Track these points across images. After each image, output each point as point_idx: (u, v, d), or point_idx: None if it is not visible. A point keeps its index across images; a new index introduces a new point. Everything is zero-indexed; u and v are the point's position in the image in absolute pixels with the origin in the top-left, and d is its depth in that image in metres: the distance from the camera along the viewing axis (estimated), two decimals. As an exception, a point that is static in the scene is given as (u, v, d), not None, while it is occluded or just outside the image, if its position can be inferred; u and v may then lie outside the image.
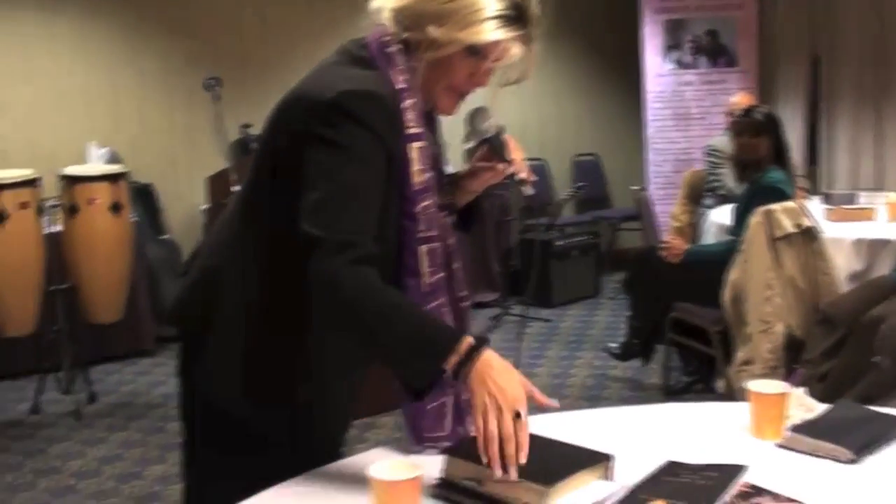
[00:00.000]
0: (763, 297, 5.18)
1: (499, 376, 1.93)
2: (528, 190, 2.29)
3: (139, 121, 7.98)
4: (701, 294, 5.62)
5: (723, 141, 6.92)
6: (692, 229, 6.92)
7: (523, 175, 2.29)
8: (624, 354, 6.20)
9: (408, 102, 2.07)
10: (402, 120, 2.06)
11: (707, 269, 5.55)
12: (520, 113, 9.38)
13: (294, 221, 1.98)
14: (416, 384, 2.00)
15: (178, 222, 7.93)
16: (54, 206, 6.10)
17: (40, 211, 5.98)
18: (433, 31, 2.05)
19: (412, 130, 2.07)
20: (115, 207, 6.06)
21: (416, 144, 2.07)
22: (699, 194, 7.05)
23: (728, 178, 6.69)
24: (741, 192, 5.93)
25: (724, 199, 6.70)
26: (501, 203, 8.35)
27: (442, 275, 2.17)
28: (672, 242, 5.87)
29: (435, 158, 2.19)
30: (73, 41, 7.66)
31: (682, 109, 9.16)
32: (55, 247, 6.09)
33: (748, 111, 5.92)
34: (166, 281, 7.19)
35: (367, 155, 2.00)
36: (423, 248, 2.11)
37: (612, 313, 7.95)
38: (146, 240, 7.21)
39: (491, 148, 2.30)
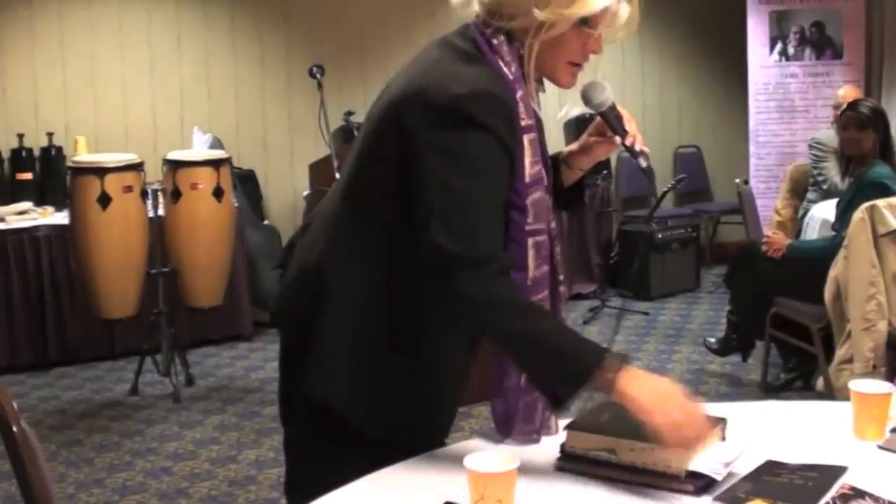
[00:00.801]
0: (866, 294, 5.07)
1: (650, 379, 1.96)
2: (643, 161, 2.24)
3: (239, 107, 8.05)
4: (802, 290, 5.53)
5: (828, 134, 6.78)
6: (794, 224, 6.79)
7: (641, 146, 2.23)
8: (723, 349, 6.12)
9: (519, 94, 2.06)
10: (517, 114, 2.04)
11: (809, 264, 5.47)
12: (620, 102, 9.26)
13: (411, 223, 2.00)
14: (563, 400, 1.99)
15: (279, 209, 8.01)
16: (157, 191, 6.18)
17: (144, 195, 6.08)
18: (540, 14, 2.02)
19: (525, 122, 2.06)
20: (218, 193, 6.13)
21: (528, 136, 2.06)
22: (802, 188, 6.92)
23: (832, 173, 6.56)
24: (845, 186, 5.82)
25: (827, 194, 6.57)
26: (602, 194, 8.28)
27: (546, 268, 2.14)
28: (774, 237, 5.78)
29: (543, 146, 2.17)
30: (175, 28, 7.75)
31: (786, 102, 9.00)
32: (158, 231, 6.18)
33: (854, 105, 5.80)
34: (265, 267, 7.26)
35: (493, 163, 2.00)
36: (531, 240, 2.08)
37: (712, 307, 7.85)
38: (247, 225, 7.28)
39: (606, 121, 2.25)
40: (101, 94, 7.59)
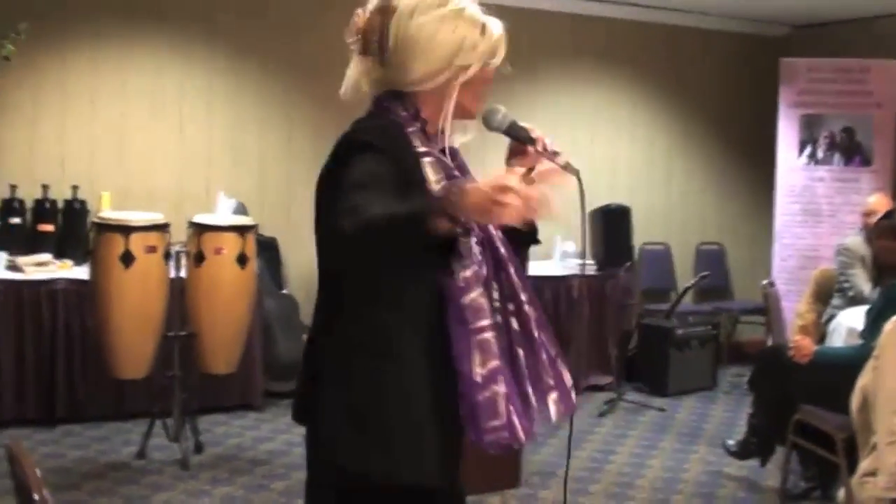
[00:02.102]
0: (893, 407, 4.97)
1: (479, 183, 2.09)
2: (561, 160, 2.50)
3: (265, 175, 8.04)
4: (827, 397, 5.43)
5: (855, 241, 6.75)
6: (816, 328, 6.73)
7: (551, 146, 2.52)
8: (741, 452, 6.00)
9: (410, 129, 2.42)
10: (409, 142, 2.39)
11: (836, 372, 5.37)
12: (646, 195, 9.30)
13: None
14: (426, 242, 2.13)
15: (298, 278, 7.94)
16: (181, 253, 6.13)
17: (167, 256, 6.03)
18: (462, 57, 2.47)
19: (420, 149, 2.39)
20: (242, 259, 6.07)
21: (426, 159, 2.38)
22: (826, 293, 6.86)
23: (859, 280, 6.51)
24: (874, 295, 5.76)
25: (852, 301, 6.51)
26: (623, 285, 8.22)
27: (475, 268, 2.33)
28: (801, 342, 5.69)
29: (457, 170, 2.50)
30: (206, 94, 7.76)
31: (812, 205, 8.98)
32: (178, 293, 6.12)
33: (888, 214, 5.77)
34: (281, 336, 7.19)
35: (368, 163, 2.27)
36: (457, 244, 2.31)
37: (729, 408, 7.74)
38: (265, 293, 7.22)
39: (513, 137, 2.57)
40: (129, 153, 7.58)
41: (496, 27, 2.55)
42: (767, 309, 7.04)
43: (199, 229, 6.06)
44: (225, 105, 7.81)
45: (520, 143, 2.56)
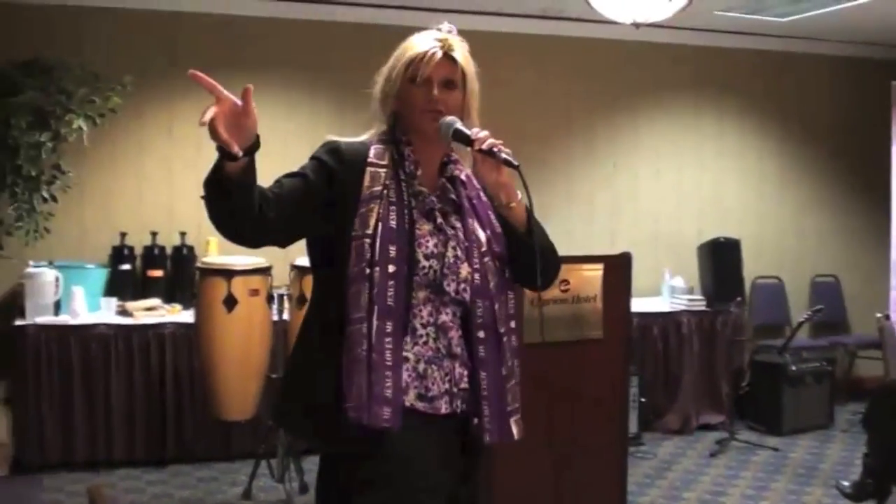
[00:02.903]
0: None
1: None
2: (502, 154, 2.68)
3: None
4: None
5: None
6: (938, 363, 6.49)
7: (489, 144, 2.68)
8: (857, 495, 5.79)
9: (374, 147, 2.79)
10: (363, 155, 2.76)
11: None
12: (757, 227, 9.10)
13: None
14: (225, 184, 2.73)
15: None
16: (283, 295, 6.17)
17: (269, 299, 6.08)
18: (387, 88, 2.79)
19: (371, 159, 2.75)
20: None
21: (369, 169, 2.73)
22: (949, 326, 6.63)
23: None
24: None
25: (976, 334, 6.28)
26: (734, 321, 8.04)
27: (364, 267, 2.63)
28: (918, 378, 5.49)
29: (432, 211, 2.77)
30: (310, 136, 7.72)
31: (932, 233, 8.69)
32: (281, 335, 6.16)
33: None
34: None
35: (308, 167, 2.79)
36: (354, 243, 2.66)
37: (846, 447, 7.48)
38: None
39: (458, 141, 2.73)
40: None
41: (420, 45, 2.76)
42: (883, 343, 6.82)
43: (301, 272, 6.09)
44: (303, 145, 7.82)
45: (466, 146, 2.73)
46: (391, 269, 2.64)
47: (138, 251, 7.34)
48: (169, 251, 7.37)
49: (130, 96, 6.79)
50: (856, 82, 9.53)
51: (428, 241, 2.72)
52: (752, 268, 8.74)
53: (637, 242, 8.02)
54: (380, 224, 2.66)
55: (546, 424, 4.97)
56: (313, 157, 2.79)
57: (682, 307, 8.02)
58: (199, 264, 6.35)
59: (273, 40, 7.78)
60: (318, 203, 2.71)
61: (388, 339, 2.62)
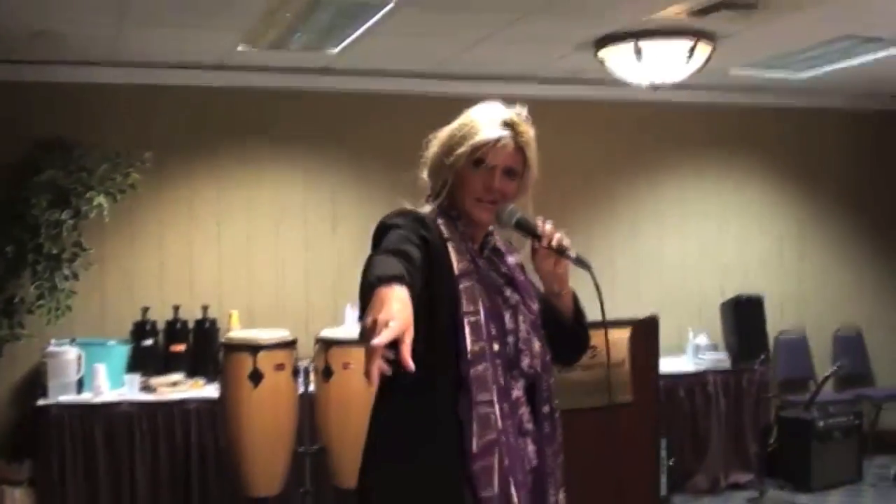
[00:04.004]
0: None
1: (387, 298, 2.13)
2: (571, 254, 2.68)
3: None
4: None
5: None
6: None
7: (558, 241, 2.68)
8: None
9: (439, 220, 2.66)
10: (437, 229, 2.62)
11: None
12: (779, 283, 9.07)
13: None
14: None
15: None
16: (308, 369, 6.15)
17: (295, 372, 6.06)
18: (446, 160, 2.69)
19: (446, 235, 2.63)
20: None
21: (451, 244, 2.62)
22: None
23: None
24: None
25: None
26: (759, 379, 7.99)
27: (484, 344, 2.54)
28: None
29: (494, 284, 2.69)
30: (330, 207, 7.83)
31: (953, 283, 8.66)
32: (307, 408, 6.13)
33: None
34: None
35: (392, 235, 2.49)
36: (466, 319, 2.53)
37: (876, 501, 7.40)
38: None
39: (521, 231, 2.72)
40: (256, 270, 7.68)
41: (488, 132, 2.67)
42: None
43: (326, 345, 6.07)
44: (349, 217, 7.85)
45: (528, 236, 2.73)
46: (496, 347, 2.59)
47: (160, 326, 7.32)
48: (191, 325, 7.36)
49: (151, 172, 6.83)
50: (877, 136, 9.54)
51: (509, 316, 2.67)
52: (776, 323, 8.69)
53: (660, 302, 7.99)
54: (479, 301, 2.59)
55: (579, 492, 4.91)
56: (401, 227, 2.55)
57: (708, 366, 7.96)
58: (223, 339, 6.33)
59: (291, 111, 7.80)
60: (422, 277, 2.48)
61: (509, 422, 2.58)
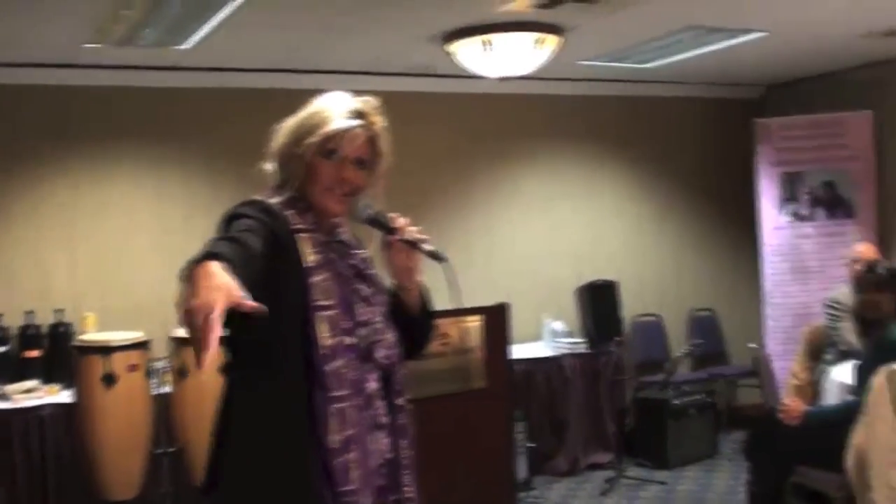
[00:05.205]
0: (889, 461, 4.92)
1: (205, 277, 2.09)
2: (426, 247, 2.69)
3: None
4: (823, 458, 5.38)
5: (843, 293, 6.71)
6: (812, 387, 6.66)
7: (412, 235, 2.69)
8: (743, 522, 5.92)
9: (288, 211, 2.59)
10: (284, 217, 2.56)
11: (829, 431, 5.32)
12: (635, 266, 9.28)
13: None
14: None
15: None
16: (162, 369, 6.11)
17: (149, 373, 6.01)
18: (295, 150, 2.63)
19: (299, 226, 2.58)
20: (226, 369, 6.03)
21: (303, 235, 2.57)
22: (819, 350, 6.81)
23: (848, 333, 6.46)
24: (863, 348, 5.72)
25: (845, 355, 6.46)
26: (615, 361, 8.17)
27: (342, 339, 2.53)
28: (790, 405, 5.64)
29: (355, 268, 2.69)
30: (182, 204, 7.76)
31: (799, 262, 8.95)
32: (163, 409, 6.10)
33: (871, 266, 5.75)
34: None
35: (244, 222, 2.44)
36: (319, 314, 2.51)
37: (732, 476, 7.62)
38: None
39: (376, 226, 2.71)
40: (110, 272, 7.57)
41: (339, 121, 2.63)
42: (758, 373, 6.99)
43: (180, 342, 6.05)
44: (201, 215, 7.78)
45: (382, 231, 2.71)
46: (350, 341, 2.58)
47: (13, 332, 7.17)
48: (45, 330, 7.20)
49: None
50: (721, 122, 9.81)
51: (362, 309, 2.65)
52: (631, 306, 8.90)
53: (516, 289, 8.14)
54: (333, 294, 2.57)
55: (438, 479, 5.00)
56: (247, 216, 2.49)
57: (564, 350, 8.11)
58: (75, 342, 6.26)
59: (141, 108, 7.71)
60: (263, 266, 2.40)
61: (364, 415, 2.58)
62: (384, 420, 2.65)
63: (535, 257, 8.97)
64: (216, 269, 2.11)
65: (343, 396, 2.52)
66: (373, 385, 2.62)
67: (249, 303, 2.07)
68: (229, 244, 2.28)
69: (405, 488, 2.70)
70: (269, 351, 2.53)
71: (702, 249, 9.78)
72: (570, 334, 8.32)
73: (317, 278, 2.55)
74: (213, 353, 2.01)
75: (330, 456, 2.49)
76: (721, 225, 9.80)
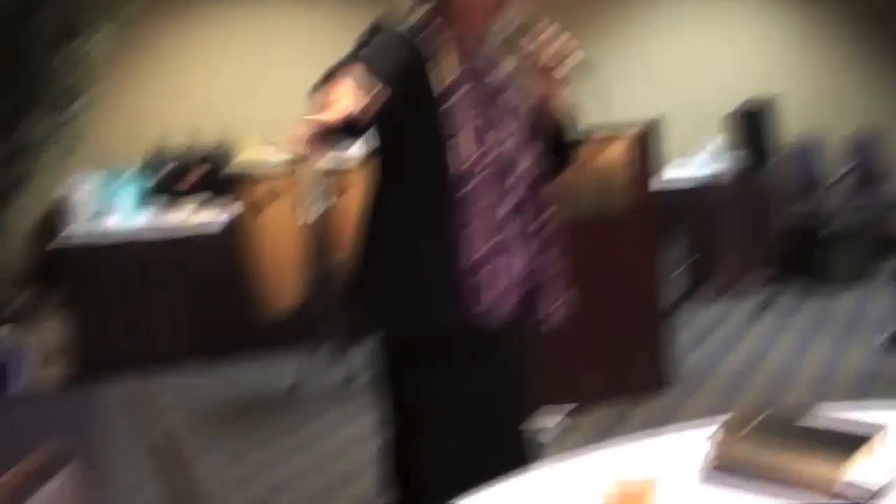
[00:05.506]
0: None
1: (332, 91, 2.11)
2: (572, 61, 2.56)
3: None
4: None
5: None
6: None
7: (558, 48, 2.55)
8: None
9: (429, 26, 2.57)
10: (416, 40, 2.54)
11: None
12: (797, 85, 9.00)
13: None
14: None
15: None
16: (317, 191, 6.20)
17: (303, 195, 6.11)
18: None
19: (436, 43, 2.55)
20: (374, 184, 6.09)
21: (442, 52, 2.55)
22: None
23: None
24: None
25: None
26: (771, 183, 8.01)
27: (482, 157, 2.54)
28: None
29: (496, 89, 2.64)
30: (332, 28, 7.80)
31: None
32: (323, 226, 6.20)
33: None
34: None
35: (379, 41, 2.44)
36: (458, 134, 2.52)
37: (889, 300, 7.46)
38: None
39: (519, 38, 2.59)
40: (269, 95, 7.66)
41: None
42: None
43: (337, 166, 6.13)
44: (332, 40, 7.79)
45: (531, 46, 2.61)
46: (490, 158, 2.59)
47: (175, 155, 7.39)
48: (206, 153, 7.42)
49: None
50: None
51: (501, 127, 2.63)
52: (790, 127, 8.67)
53: (669, 110, 7.98)
54: (472, 112, 2.58)
55: (581, 302, 5.06)
56: (381, 36, 2.50)
57: (718, 173, 7.98)
58: (231, 168, 6.40)
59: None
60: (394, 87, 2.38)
61: (505, 231, 2.61)
62: (525, 235, 2.65)
63: (689, 74, 8.77)
64: (342, 81, 2.13)
65: (481, 214, 2.54)
66: (512, 203, 2.62)
67: (373, 103, 2.13)
68: (361, 53, 2.33)
69: (548, 303, 2.72)
70: (409, 168, 2.58)
71: (866, 64, 9.39)
72: (726, 155, 8.17)
73: (455, 97, 2.53)
74: (311, 159, 2.13)
75: (466, 271, 2.54)
76: (888, 39, 9.36)
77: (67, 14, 6.47)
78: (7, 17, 6.42)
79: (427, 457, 2.67)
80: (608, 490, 1.78)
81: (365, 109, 2.11)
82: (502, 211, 2.59)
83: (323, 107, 2.09)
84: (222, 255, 6.80)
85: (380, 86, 2.18)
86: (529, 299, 2.68)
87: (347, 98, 2.08)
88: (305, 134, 2.07)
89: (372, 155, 2.67)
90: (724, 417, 2.10)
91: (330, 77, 2.21)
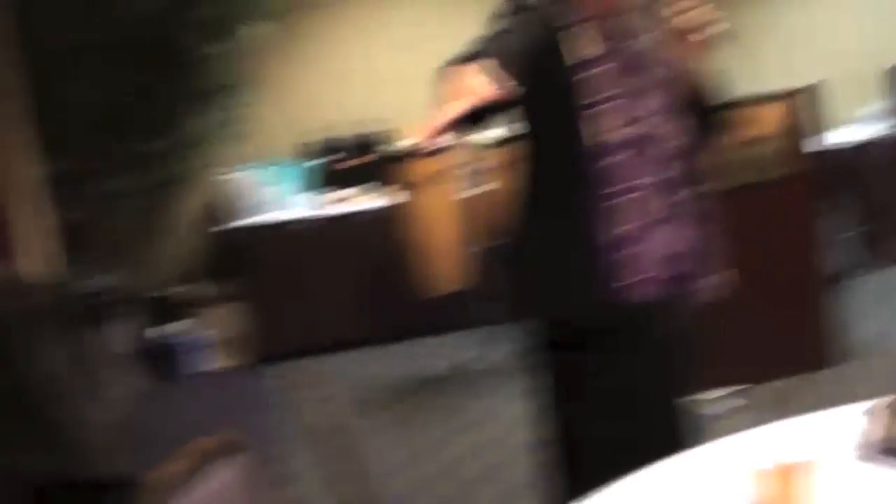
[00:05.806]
0: None
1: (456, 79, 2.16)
2: (714, 28, 2.46)
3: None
4: None
5: None
6: None
7: (699, 15, 2.46)
8: None
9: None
10: (548, 14, 2.48)
11: None
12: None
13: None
14: None
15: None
16: (472, 171, 6.21)
17: (458, 176, 6.14)
18: None
19: (573, 18, 2.50)
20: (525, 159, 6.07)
21: (582, 24, 2.50)
22: None
23: None
24: None
25: None
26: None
27: (623, 132, 2.49)
28: None
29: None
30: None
31: None
32: (475, 209, 6.22)
33: None
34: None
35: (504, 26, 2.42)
36: (597, 108, 2.48)
37: None
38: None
39: (660, 5, 2.52)
40: (422, 82, 7.67)
41: None
42: None
43: (484, 146, 6.12)
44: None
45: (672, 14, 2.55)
46: (632, 131, 2.55)
47: (336, 143, 7.48)
48: (367, 139, 7.49)
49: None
50: None
51: (643, 98, 2.58)
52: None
53: (824, 72, 7.71)
54: (612, 86, 2.53)
55: (738, 273, 4.98)
56: (509, 21, 2.46)
57: (880, 134, 7.68)
58: (388, 149, 6.47)
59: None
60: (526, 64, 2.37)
61: (653, 206, 2.58)
62: (674, 210, 2.59)
63: (845, 37, 8.42)
64: (467, 70, 2.16)
65: (622, 190, 2.51)
66: (658, 176, 2.57)
67: (502, 93, 2.13)
68: (488, 42, 2.33)
69: (702, 281, 2.67)
70: (544, 143, 2.60)
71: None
72: (887, 116, 7.85)
73: (594, 70, 2.50)
74: (433, 140, 2.14)
75: (609, 247, 2.52)
76: None
77: (223, 7, 6.59)
78: (163, 13, 6.59)
79: (584, 439, 2.67)
80: (762, 470, 1.76)
81: (497, 100, 2.12)
82: (648, 184, 2.54)
83: (455, 95, 2.11)
84: (385, 239, 6.86)
85: (513, 83, 2.18)
86: (681, 277, 2.63)
87: (480, 87, 2.10)
88: (437, 123, 2.09)
89: (517, 133, 2.67)
90: (890, 396, 2.04)
91: (460, 62, 2.22)
